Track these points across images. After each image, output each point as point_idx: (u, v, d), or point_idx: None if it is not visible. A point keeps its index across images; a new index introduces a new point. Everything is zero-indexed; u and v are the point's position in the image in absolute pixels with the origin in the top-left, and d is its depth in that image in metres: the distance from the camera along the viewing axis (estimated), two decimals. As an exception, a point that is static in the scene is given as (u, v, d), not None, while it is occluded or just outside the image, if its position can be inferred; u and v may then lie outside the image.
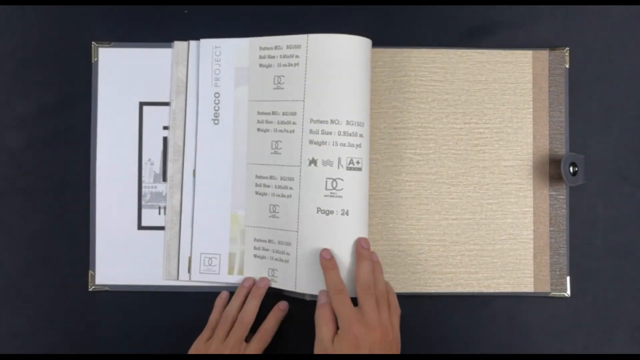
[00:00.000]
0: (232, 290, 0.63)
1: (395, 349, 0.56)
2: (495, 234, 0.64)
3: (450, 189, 0.64)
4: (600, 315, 0.64)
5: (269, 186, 0.62)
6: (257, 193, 0.63)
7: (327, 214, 0.59)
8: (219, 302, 0.62)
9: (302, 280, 0.60)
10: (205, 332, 0.60)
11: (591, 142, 0.65)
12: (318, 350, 0.56)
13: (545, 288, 0.64)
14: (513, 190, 0.64)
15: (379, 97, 0.64)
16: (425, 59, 0.65)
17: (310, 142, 0.60)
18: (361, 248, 0.59)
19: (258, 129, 0.63)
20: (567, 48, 0.65)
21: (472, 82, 0.64)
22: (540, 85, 0.65)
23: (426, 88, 0.64)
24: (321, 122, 0.60)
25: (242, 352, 0.58)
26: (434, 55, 0.65)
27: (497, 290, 0.63)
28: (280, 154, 0.62)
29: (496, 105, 0.64)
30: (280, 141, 0.62)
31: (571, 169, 0.62)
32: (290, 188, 0.61)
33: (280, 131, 0.62)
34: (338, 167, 0.59)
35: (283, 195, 0.61)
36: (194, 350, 0.59)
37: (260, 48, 0.63)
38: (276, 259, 0.62)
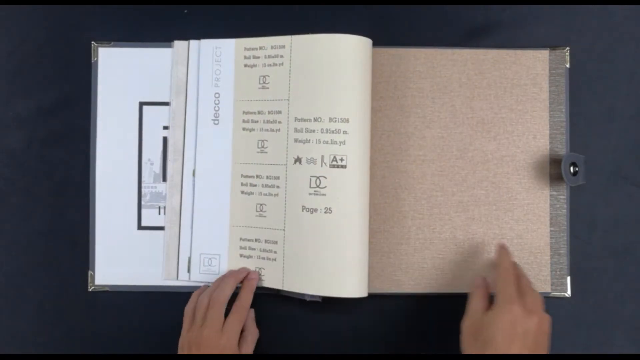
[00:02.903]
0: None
1: (542, 347, 0.53)
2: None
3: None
4: (600, 315, 0.64)
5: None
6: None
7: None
8: (195, 296, 0.61)
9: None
10: (185, 324, 0.59)
11: (591, 142, 0.65)
12: (466, 321, 0.55)
13: (545, 288, 0.63)
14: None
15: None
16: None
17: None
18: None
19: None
20: (567, 48, 0.65)
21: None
22: (540, 85, 0.65)
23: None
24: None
25: (221, 329, 0.57)
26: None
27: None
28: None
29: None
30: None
31: (571, 169, 0.62)
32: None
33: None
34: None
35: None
36: (179, 346, 0.58)
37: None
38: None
